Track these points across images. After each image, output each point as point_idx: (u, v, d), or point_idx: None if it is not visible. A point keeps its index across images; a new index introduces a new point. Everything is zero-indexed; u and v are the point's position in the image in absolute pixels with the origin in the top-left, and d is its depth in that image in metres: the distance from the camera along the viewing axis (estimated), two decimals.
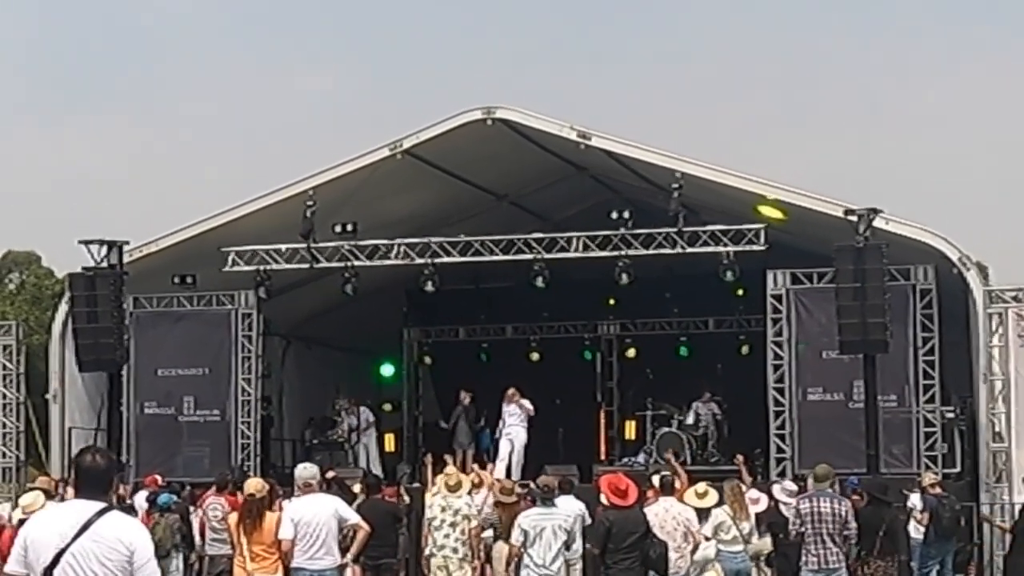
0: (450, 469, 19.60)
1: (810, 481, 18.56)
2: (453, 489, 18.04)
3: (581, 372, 33.27)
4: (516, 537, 16.66)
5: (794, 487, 20.65)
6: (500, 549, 18.32)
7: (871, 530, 17.85)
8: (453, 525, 17.66)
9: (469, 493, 18.35)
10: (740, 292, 28.95)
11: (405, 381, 34.21)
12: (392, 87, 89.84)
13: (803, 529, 17.18)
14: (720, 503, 18.81)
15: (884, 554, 18.09)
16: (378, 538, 17.14)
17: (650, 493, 18.33)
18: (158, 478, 24.32)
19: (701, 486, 18.82)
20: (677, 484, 19.26)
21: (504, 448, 27.54)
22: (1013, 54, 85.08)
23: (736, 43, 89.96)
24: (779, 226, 26.35)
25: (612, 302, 31.83)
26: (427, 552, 18.33)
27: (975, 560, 24.59)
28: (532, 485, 20.12)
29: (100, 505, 7.83)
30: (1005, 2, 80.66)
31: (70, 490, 21.15)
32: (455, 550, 17.66)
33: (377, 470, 28.36)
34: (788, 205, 26.18)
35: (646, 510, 17.37)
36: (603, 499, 16.60)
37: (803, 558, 17.32)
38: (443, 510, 17.83)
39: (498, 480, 22.10)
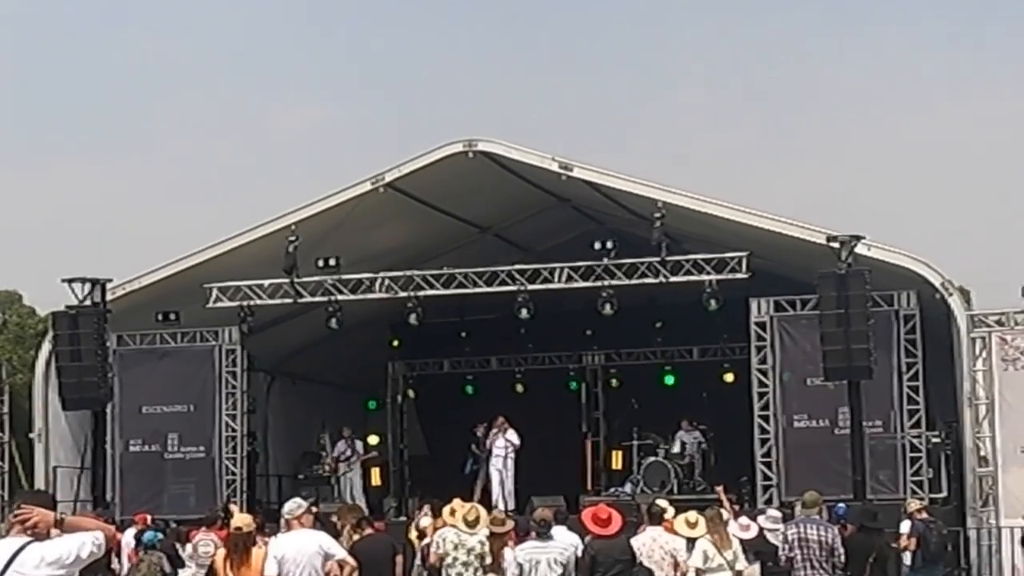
0: (459, 504, 19.26)
1: (798, 507, 18.55)
2: (471, 525, 17.86)
3: (566, 403, 33.23)
4: (512, 571, 16.64)
5: (779, 515, 20.64)
6: None
7: (861, 557, 17.87)
8: (466, 564, 17.54)
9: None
10: (724, 320, 28.95)
11: (390, 414, 34.14)
12: (373, 121, 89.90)
13: (792, 555, 17.21)
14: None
15: None
16: (376, 572, 17.13)
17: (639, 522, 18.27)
18: (147, 517, 24.24)
19: (692, 515, 18.76)
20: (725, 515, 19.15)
21: (495, 478, 27.58)
22: (991, 82, 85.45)
23: (717, 72, 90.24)
24: (761, 253, 26.39)
25: (596, 332, 31.83)
26: None
27: None
28: (527, 518, 20.05)
29: (23, 540, 7.91)
30: (984, 32, 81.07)
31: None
32: None
33: (361, 504, 28.30)
34: (770, 232, 26.22)
35: (633, 540, 17.36)
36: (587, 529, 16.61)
37: None
38: (456, 548, 17.70)
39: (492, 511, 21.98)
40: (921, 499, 23.68)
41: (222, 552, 15.50)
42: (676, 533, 18.08)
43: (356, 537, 19.86)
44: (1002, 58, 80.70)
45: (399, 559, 20.01)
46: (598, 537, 16.49)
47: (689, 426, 29.67)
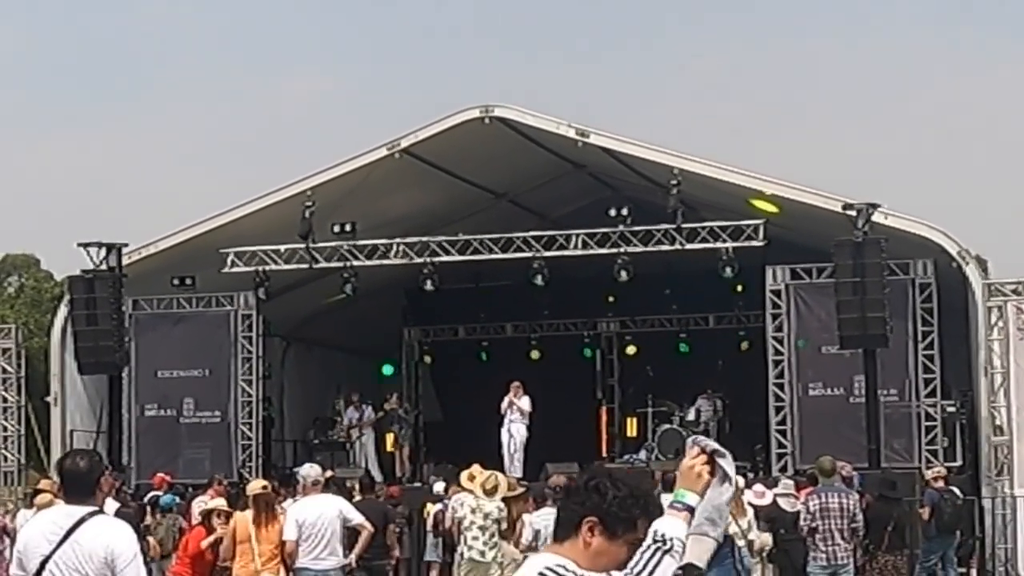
0: (477, 470, 19.27)
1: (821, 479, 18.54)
2: (490, 493, 17.88)
3: (581, 370, 33.25)
4: (527, 536, 16.70)
5: (792, 483, 20.68)
6: (505, 550, 18.23)
7: (879, 525, 17.91)
8: (483, 528, 17.57)
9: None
10: (739, 288, 28.94)
11: (405, 380, 34.18)
12: (390, 86, 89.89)
13: (814, 525, 17.23)
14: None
15: (892, 549, 18.15)
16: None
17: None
18: (167, 477, 24.36)
19: None
20: None
21: (504, 439, 27.58)
22: (1009, 50, 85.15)
23: (734, 39, 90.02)
24: (777, 221, 26.36)
25: (611, 299, 31.81)
26: (456, 553, 18.31)
27: (977, 553, 24.62)
28: (542, 484, 20.10)
29: (85, 510, 7.82)
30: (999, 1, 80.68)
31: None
32: (482, 553, 17.59)
33: (375, 470, 28.39)
34: (786, 200, 26.19)
35: None
36: None
37: (812, 554, 17.37)
38: (473, 511, 17.73)
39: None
40: (941, 467, 23.61)
41: (250, 513, 15.50)
42: None
43: (357, 499, 19.93)
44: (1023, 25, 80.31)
45: (391, 528, 20.08)
46: None
47: (707, 393, 29.67)
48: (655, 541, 5.07)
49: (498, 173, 30.05)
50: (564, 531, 5.09)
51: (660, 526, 5.07)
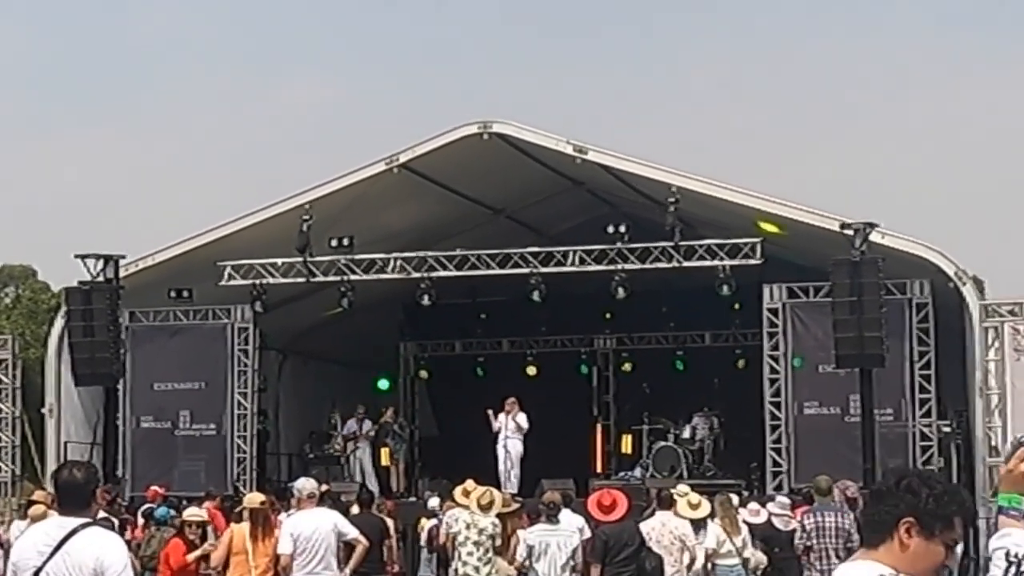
0: (471, 485, 19.22)
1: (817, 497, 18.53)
2: (485, 508, 17.88)
3: (577, 386, 33.26)
4: (521, 552, 16.71)
5: (787, 501, 20.67)
6: (500, 566, 18.22)
7: None
8: (477, 544, 17.56)
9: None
10: (736, 306, 28.95)
11: (401, 395, 34.18)
12: (389, 101, 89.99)
13: (809, 544, 17.23)
14: (712, 516, 18.80)
15: None
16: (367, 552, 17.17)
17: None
18: (159, 490, 24.31)
19: (694, 497, 18.78)
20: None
21: (499, 455, 27.55)
22: (1007, 67, 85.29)
23: (732, 57, 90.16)
24: (775, 240, 26.38)
25: (608, 316, 31.83)
26: (451, 569, 18.31)
27: (971, 574, 24.59)
28: (537, 501, 20.08)
29: (78, 522, 7.81)
30: (1000, 15, 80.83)
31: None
32: (477, 569, 17.58)
33: (372, 484, 28.36)
34: (784, 219, 26.21)
35: (642, 524, 17.41)
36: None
37: (806, 573, 17.38)
38: (468, 527, 17.72)
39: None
40: None
41: (246, 526, 15.52)
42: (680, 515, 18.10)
43: (355, 512, 19.91)
44: (1020, 44, 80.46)
45: (389, 542, 20.05)
46: (604, 522, 16.56)
47: (703, 411, 29.65)
48: (1009, 563, 4.97)
49: (496, 189, 30.08)
50: (878, 536, 4.92)
51: (1006, 543, 5.00)
